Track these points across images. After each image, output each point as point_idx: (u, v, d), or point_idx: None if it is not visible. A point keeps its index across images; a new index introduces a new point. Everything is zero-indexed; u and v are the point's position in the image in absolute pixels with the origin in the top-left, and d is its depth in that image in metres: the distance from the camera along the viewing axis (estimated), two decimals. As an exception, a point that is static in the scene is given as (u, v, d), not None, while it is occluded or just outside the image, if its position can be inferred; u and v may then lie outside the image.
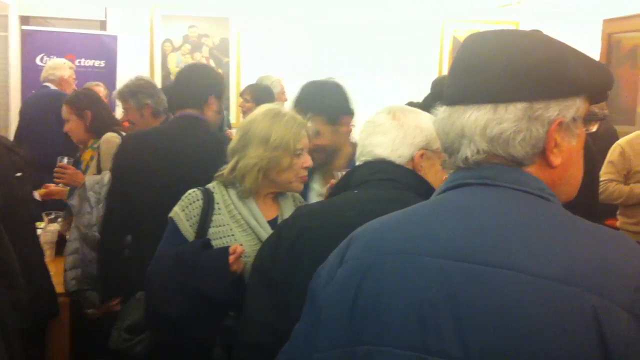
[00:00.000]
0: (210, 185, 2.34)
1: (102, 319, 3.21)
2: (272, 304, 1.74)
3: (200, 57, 7.62)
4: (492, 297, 0.98)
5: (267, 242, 1.89)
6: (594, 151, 4.09)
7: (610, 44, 7.38)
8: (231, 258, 2.09)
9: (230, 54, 7.72)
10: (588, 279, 0.96)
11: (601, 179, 4.38)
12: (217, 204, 2.29)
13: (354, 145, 2.32)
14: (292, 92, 5.79)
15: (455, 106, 1.13)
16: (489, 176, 1.11)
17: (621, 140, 4.44)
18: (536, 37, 1.15)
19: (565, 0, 7.03)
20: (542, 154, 1.11)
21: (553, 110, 1.09)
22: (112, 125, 4.04)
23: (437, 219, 1.11)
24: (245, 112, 5.55)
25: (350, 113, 2.89)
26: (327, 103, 2.83)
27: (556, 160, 1.12)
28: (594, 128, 1.18)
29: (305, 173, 2.31)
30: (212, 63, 7.59)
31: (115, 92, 4.23)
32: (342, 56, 7.58)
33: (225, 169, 2.32)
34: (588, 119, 1.19)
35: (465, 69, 1.14)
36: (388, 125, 1.86)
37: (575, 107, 1.12)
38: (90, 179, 3.59)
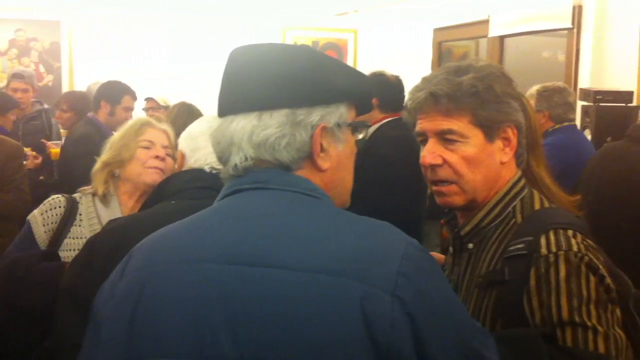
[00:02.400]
0: (77, 195, 2.30)
1: None
2: (84, 327, 1.62)
3: (29, 62, 7.19)
4: (263, 297, 1.02)
5: (75, 261, 1.76)
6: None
7: (440, 51, 7.75)
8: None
9: (62, 58, 7.33)
10: (353, 269, 1.02)
11: None
12: (80, 215, 2.24)
13: None
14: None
15: (226, 117, 1.18)
16: (262, 180, 1.15)
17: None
18: (299, 49, 1.22)
19: (399, 10, 7.29)
20: (310, 158, 1.17)
21: (315, 116, 1.16)
22: None
23: (212, 225, 1.14)
24: (63, 124, 5.26)
25: None
26: None
27: (324, 164, 1.18)
28: (361, 135, 1.27)
29: (155, 164, 2.27)
30: (41, 68, 7.20)
31: None
32: (181, 60, 7.42)
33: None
34: (355, 125, 1.25)
35: (232, 81, 1.19)
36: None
37: (339, 113, 1.19)
38: None
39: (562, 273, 1.33)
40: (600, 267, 1.36)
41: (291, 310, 1.00)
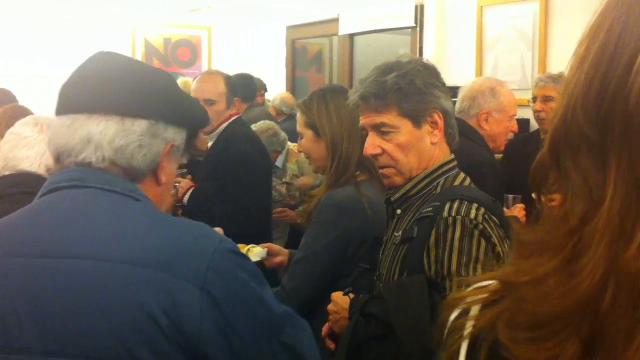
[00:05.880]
0: None
1: None
2: None
3: None
4: (68, 286, 1.04)
5: None
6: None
7: (295, 49, 7.82)
8: None
9: None
10: (163, 262, 1.06)
11: None
12: None
13: None
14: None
15: (82, 114, 1.16)
16: (78, 178, 1.15)
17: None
18: (161, 70, 1.30)
19: (253, 7, 7.28)
20: (153, 171, 1.22)
21: (170, 133, 1.22)
22: None
23: (23, 223, 1.15)
24: None
25: None
26: None
27: (163, 178, 1.24)
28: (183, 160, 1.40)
29: None
30: None
31: None
32: (24, 61, 7.04)
33: None
34: (183, 152, 1.43)
35: (92, 80, 1.19)
36: (35, 139, 1.74)
37: (182, 137, 1.27)
38: None
39: (457, 233, 1.55)
40: (494, 237, 1.57)
41: (96, 301, 1.03)
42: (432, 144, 1.74)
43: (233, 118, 3.43)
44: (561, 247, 0.57)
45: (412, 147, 1.72)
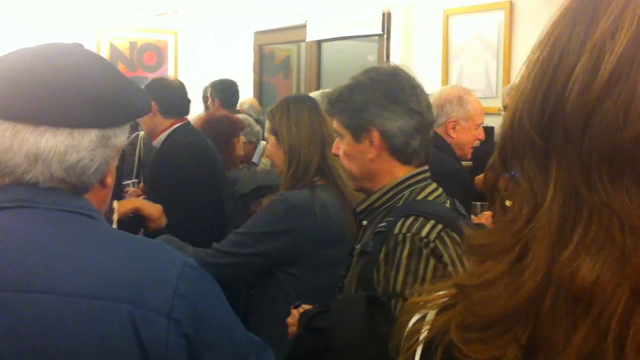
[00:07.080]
0: None
1: None
2: None
3: None
4: (27, 323, 0.97)
5: None
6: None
7: (262, 54, 7.80)
8: None
9: None
10: (124, 292, 1.01)
11: None
12: None
13: None
14: None
15: (26, 124, 1.04)
16: (26, 199, 1.07)
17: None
18: (105, 64, 1.17)
19: (220, 12, 7.25)
20: (101, 179, 1.16)
21: (120, 138, 1.14)
22: None
23: None
24: None
25: None
26: None
27: (109, 180, 1.17)
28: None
29: None
30: None
31: None
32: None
33: None
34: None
35: (40, 83, 1.05)
36: None
37: (127, 132, 1.19)
38: None
39: (405, 252, 1.52)
40: (446, 256, 1.51)
41: (60, 336, 0.98)
42: (370, 160, 1.71)
43: (175, 126, 3.33)
44: (508, 250, 0.59)
45: (353, 158, 1.74)
